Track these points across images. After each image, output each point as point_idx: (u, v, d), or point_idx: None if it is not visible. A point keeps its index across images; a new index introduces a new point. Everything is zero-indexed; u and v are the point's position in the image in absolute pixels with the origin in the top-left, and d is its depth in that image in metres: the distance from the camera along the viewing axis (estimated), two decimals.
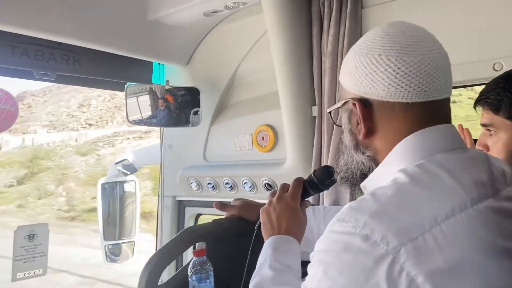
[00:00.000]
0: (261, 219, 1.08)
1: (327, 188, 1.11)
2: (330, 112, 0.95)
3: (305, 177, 1.13)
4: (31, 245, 2.00)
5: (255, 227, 1.12)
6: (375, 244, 0.62)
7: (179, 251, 1.20)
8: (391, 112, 0.76)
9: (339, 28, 1.55)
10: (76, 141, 22.50)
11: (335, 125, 1.39)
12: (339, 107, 0.87)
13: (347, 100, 0.82)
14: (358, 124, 0.80)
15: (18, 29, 1.49)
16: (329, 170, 1.07)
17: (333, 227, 0.70)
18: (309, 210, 1.20)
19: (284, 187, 1.11)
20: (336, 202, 1.53)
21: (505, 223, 0.66)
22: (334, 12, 1.55)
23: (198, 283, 1.10)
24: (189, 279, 1.11)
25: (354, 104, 0.79)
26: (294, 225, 1.05)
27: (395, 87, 0.74)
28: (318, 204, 1.57)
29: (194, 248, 1.20)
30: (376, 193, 0.69)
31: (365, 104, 0.78)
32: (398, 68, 0.73)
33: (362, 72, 0.77)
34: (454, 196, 0.66)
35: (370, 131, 0.79)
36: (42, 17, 1.52)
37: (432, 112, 0.76)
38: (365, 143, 0.81)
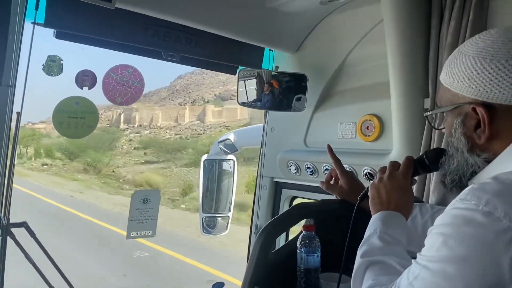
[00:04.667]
0: (370, 194, 1.11)
1: (437, 169, 1.10)
2: (427, 116, 0.98)
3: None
4: (144, 208, 2.23)
5: (359, 198, 1.16)
6: (498, 219, 0.66)
7: (290, 224, 1.27)
8: None
9: (461, 20, 1.50)
10: None
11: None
12: (446, 111, 0.89)
13: (460, 104, 0.84)
14: (476, 128, 0.83)
15: (151, 11, 1.65)
16: (441, 152, 1.06)
17: (454, 205, 0.74)
18: (415, 208, 1.21)
19: (395, 164, 1.13)
20: (443, 201, 1.50)
21: None
22: (457, 2, 1.50)
23: (307, 255, 1.17)
24: (298, 251, 1.19)
25: (474, 109, 0.82)
26: (403, 203, 1.07)
27: None
28: (423, 195, 1.55)
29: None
30: (499, 176, 0.73)
31: (488, 108, 0.80)
32: None
33: (486, 77, 0.79)
34: None
35: (492, 135, 0.81)
36: (172, 2, 1.67)
37: None
38: (483, 146, 0.84)
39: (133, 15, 1.64)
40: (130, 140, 35.79)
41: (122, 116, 39.08)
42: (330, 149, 1.41)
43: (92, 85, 1.91)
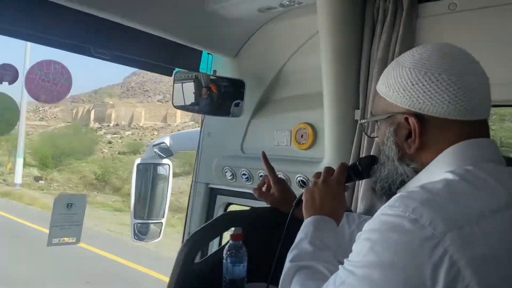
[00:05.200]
0: (304, 198, 1.12)
1: (369, 176, 1.12)
2: (361, 124, 1.00)
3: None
4: (68, 214, 2.10)
5: (293, 203, 1.16)
6: (423, 227, 0.68)
7: (217, 233, 1.25)
8: (446, 128, 0.82)
9: (391, 36, 1.56)
10: None
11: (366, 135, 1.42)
12: (379, 120, 0.91)
13: (394, 113, 0.86)
14: (407, 137, 0.85)
15: (80, 6, 1.56)
16: (373, 160, 1.09)
17: (383, 211, 0.75)
18: (343, 217, 1.23)
19: (329, 170, 1.15)
20: (370, 210, 1.54)
21: None
22: (388, 18, 1.56)
23: (232, 265, 1.15)
24: (224, 260, 1.16)
25: (406, 119, 0.84)
26: (335, 208, 1.09)
27: (455, 106, 0.79)
28: (351, 203, 1.59)
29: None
30: (426, 186, 0.75)
31: (420, 119, 0.82)
32: (459, 88, 0.79)
33: (419, 89, 0.81)
34: (499, 196, 0.73)
35: (421, 145, 0.84)
36: None
37: (480, 129, 0.83)
38: (412, 156, 0.86)
39: (62, 8, 1.54)
40: (110, 142, 28.93)
41: (92, 113, 32.21)
42: (264, 156, 1.41)
43: (13, 80, 1.78)
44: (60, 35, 1.68)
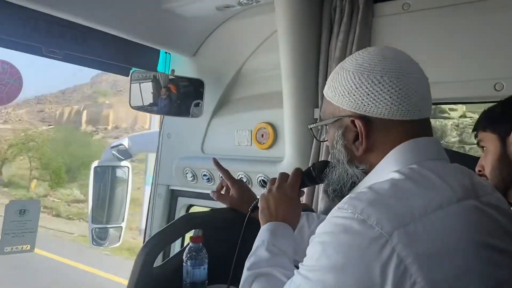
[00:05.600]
0: (259, 205, 1.12)
1: (323, 181, 1.13)
2: (311, 128, 1.02)
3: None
4: (21, 220, 2.01)
5: (250, 209, 1.17)
6: (371, 227, 0.69)
7: (176, 236, 1.22)
8: (389, 129, 0.84)
9: (348, 35, 1.59)
10: None
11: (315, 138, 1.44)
12: (328, 124, 0.92)
13: (340, 117, 0.87)
14: (354, 140, 0.86)
15: (29, 3, 1.49)
16: (326, 164, 1.10)
17: (333, 214, 0.76)
18: (303, 217, 1.23)
19: (283, 176, 1.15)
20: (329, 210, 1.56)
21: (483, 220, 0.75)
22: (345, 18, 1.59)
23: (192, 268, 1.13)
24: (184, 264, 1.14)
25: (353, 122, 0.85)
26: (290, 214, 1.09)
27: (397, 106, 0.81)
28: (312, 203, 1.60)
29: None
30: (373, 187, 0.76)
31: (365, 121, 0.84)
32: (400, 89, 0.81)
33: (363, 91, 0.82)
34: (443, 193, 0.75)
35: (368, 147, 0.85)
36: None
37: (423, 128, 0.85)
38: (361, 158, 0.87)
39: (11, 6, 1.46)
40: None
41: (84, 114, 27.08)
42: (216, 162, 1.42)
43: None
44: (10, 34, 1.60)
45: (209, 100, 2.00)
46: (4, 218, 2.00)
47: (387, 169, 0.82)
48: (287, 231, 1.06)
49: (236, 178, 1.91)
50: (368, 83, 0.82)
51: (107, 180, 2.65)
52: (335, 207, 0.77)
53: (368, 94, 0.82)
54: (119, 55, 1.90)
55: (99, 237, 2.62)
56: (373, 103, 0.82)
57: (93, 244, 2.61)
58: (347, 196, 0.78)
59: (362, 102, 0.83)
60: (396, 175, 0.78)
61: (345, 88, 0.85)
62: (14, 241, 2.05)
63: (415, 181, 0.76)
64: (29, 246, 2.07)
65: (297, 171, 1.15)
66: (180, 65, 2.11)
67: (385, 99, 0.81)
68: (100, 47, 1.80)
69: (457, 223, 0.72)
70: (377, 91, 0.81)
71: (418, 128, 0.84)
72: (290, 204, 1.10)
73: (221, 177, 1.94)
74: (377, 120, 0.83)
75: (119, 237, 2.64)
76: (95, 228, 2.58)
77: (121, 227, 2.65)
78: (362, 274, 0.67)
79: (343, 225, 0.72)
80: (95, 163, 2.57)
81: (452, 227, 0.71)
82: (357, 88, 0.83)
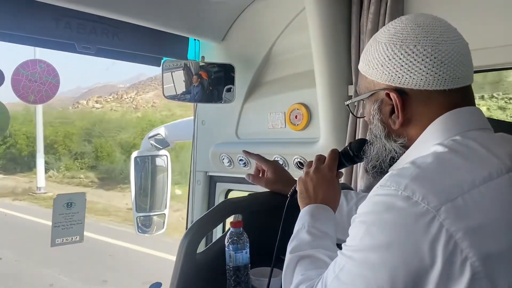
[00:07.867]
0: (297, 189, 1.11)
1: (361, 160, 1.11)
2: (348, 105, 1.00)
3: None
4: (69, 213, 2.09)
5: (288, 195, 1.15)
6: (416, 203, 0.66)
7: (217, 222, 1.23)
8: (428, 100, 0.80)
9: (380, 6, 1.52)
10: None
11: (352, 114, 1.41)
12: (363, 99, 0.89)
13: (375, 91, 0.85)
14: (391, 113, 0.84)
15: (61, 2, 1.52)
16: (363, 142, 1.07)
17: (375, 192, 0.74)
18: (341, 195, 1.22)
19: (320, 158, 1.14)
20: (370, 188, 1.53)
21: None
22: None
23: (235, 252, 1.14)
24: (226, 248, 1.15)
25: (388, 95, 0.82)
26: (330, 195, 1.08)
27: (433, 76, 0.78)
28: (351, 182, 1.58)
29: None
30: (416, 161, 0.73)
31: (401, 94, 0.81)
32: (435, 58, 0.77)
33: (396, 63, 0.80)
34: (490, 164, 0.72)
35: (406, 120, 0.82)
36: None
37: (464, 97, 0.81)
38: (399, 132, 0.85)
39: (42, 6, 1.50)
40: None
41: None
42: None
43: None
44: (44, 33, 1.65)
45: (241, 84, 1.99)
46: (53, 211, 2.09)
47: (429, 143, 0.79)
48: (327, 213, 1.04)
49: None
50: (401, 54, 0.79)
51: (147, 169, 2.71)
52: (377, 185, 0.74)
53: (402, 65, 0.79)
54: (149, 46, 1.92)
55: (144, 225, 2.70)
56: (407, 74, 0.79)
57: (138, 232, 2.68)
58: (389, 173, 0.75)
59: (396, 74, 0.80)
60: (439, 148, 0.75)
61: (378, 60, 0.83)
62: (64, 233, 2.14)
63: (460, 153, 0.73)
64: (78, 237, 2.15)
65: (334, 151, 1.14)
66: (209, 51, 2.10)
67: (420, 69, 0.78)
68: (130, 40, 1.82)
69: (508, 195, 0.69)
70: (411, 61, 0.78)
71: (459, 97, 0.80)
72: (329, 186, 1.08)
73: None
74: (414, 92, 0.80)
75: (163, 223, 2.71)
76: (140, 216, 2.66)
77: (164, 214, 2.71)
78: (409, 252, 0.65)
79: (386, 202, 0.69)
80: (134, 154, 2.63)
81: (504, 198, 0.68)
82: (390, 59, 0.80)
